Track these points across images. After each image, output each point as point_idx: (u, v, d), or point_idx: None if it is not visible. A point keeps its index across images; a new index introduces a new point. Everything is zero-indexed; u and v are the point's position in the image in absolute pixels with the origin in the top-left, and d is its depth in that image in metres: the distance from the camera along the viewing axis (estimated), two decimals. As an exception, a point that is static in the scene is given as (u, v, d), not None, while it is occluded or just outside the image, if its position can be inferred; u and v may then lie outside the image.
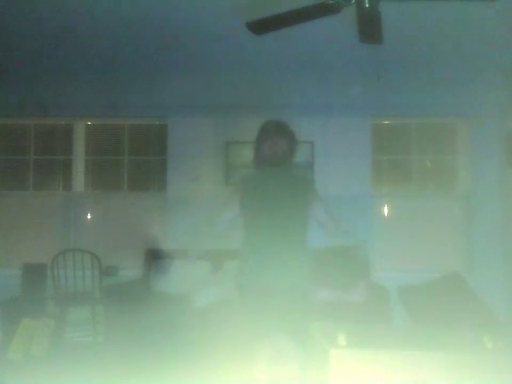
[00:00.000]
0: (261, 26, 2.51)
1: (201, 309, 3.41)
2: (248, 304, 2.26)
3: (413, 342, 1.87)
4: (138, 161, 4.56)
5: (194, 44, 3.69)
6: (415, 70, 4.20)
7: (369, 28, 2.47)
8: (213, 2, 3.00)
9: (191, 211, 4.23)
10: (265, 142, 2.35)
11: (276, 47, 3.66)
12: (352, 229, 4.14)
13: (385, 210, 4.47)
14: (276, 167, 2.34)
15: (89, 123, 4.58)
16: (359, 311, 3.36)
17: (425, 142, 4.47)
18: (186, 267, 3.85)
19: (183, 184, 4.35)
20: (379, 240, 4.28)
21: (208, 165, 4.39)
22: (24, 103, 4.37)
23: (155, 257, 3.93)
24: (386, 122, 4.53)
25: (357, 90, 4.23)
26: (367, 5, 2.25)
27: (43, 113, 4.39)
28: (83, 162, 4.55)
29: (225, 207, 2.40)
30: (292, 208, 2.30)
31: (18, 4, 3.05)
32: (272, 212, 2.27)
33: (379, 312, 3.40)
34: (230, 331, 2.67)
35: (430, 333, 2.04)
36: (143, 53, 3.94)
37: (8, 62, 4.11)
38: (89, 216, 4.55)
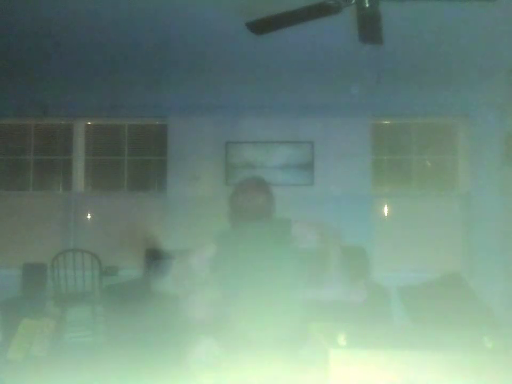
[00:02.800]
0: (261, 26, 2.51)
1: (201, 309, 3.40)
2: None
3: (413, 342, 1.87)
4: (138, 161, 4.56)
5: (194, 43, 3.68)
6: (415, 70, 4.19)
7: (369, 28, 2.46)
8: (213, 2, 3.00)
9: (191, 211, 4.24)
10: (243, 197, 2.20)
11: (276, 47, 3.66)
12: (352, 229, 4.17)
13: (385, 210, 4.47)
14: (253, 221, 2.19)
15: (89, 123, 4.59)
16: (359, 311, 3.35)
17: (425, 142, 4.47)
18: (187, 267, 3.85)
19: (183, 184, 4.35)
20: (379, 240, 4.28)
21: (208, 165, 4.39)
22: (24, 103, 4.37)
23: (155, 257, 3.92)
24: (386, 122, 4.53)
25: (357, 90, 4.22)
26: (367, 5, 2.25)
27: (43, 113, 4.39)
28: (83, 162, 4.56)
29: (197, 254, 2.25)
30: (276, 267, 2.14)
31: (18, 4, 3.05)
32: (254, 273, 2.11)
33: (379, 312, 3.40)
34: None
35: (430, 333, 2.04)
36: (143, 53, 3.93)
37: (8, 62, 4.11)
38: (89, 216, 4.55)
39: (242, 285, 2.14)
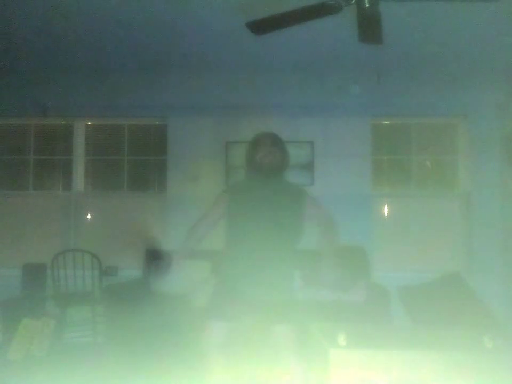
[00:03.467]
0: (261, 26, 2.51)
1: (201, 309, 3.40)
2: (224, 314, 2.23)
3: (413, 342, 1.88)
4: (138, 161, 4.56)
5: (194, 43, 3.69)
6: (415, 70, 4.20)
7: (369, 28, 2.46)
8: (213, 2, 3.00)
9: (191, 211, 4.22)
10: (261, 151, 2.30)
11: (276, 47, 3.66)
12: (352, 229, 4.17)
13: (385, 210, 4.47)
14: (270, 176, 2.31)
15: (89, 123, 4.58)
16: (359, 311, 3.35)
17: (425, 142, 4.47)
18: (186, 267, 3.84)
19: (183, 184, 4.34)
20: (379, 240, 4.28)
21: (208, 165, 4.39)
22: (24, 103, 4.36)
23: (155, 257, 3.92)
24: (386, 122, 4.53)
25: (357, 90, 4.23)
26: (367, 5, 2.25)
27: (43, 113, 4.39)
28: (83, 162, 4.55)
29: (212, 210, 2.37)
30: (282, 219, 2.26)
31: (18, 4, 3.05)
32: (261, 221, 2.24)
33: (379, 312, 3.40)
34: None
35: (430, 333, 2.04)
36: (143, 53, 3.94)
37: (8, 62, 4.11)
38: (89, 216, 4.55)
39: (245, 233, 2.26)
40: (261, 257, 2.23)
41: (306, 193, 2.42)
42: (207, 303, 2.32)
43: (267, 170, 2.29)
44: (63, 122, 4.56)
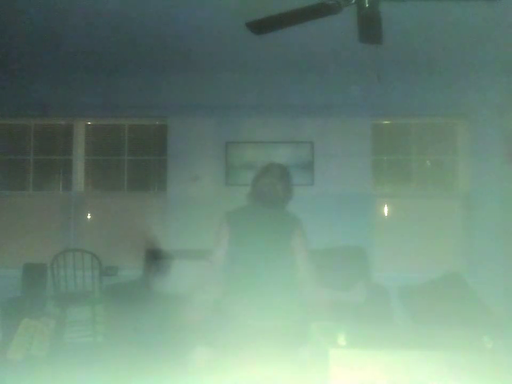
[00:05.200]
0: (261, 26, 2.51)
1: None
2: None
3: (413, 342, 1.87)
4: (138, 161, 4.56)
5: (194, 43, 3.69)
6: (415, 70, 4.20)
7: (369, 28, 2.47)
8: (213, 2, 3.00)
9: (191, 211, 4.24)
10: (265, 181, 2.36)
11: (276, 47, 3.66)
12: (352, 229, 4.18)
13: (385, 210, 4.47)
14: (268, 206, 2.35)
15: (89, 123, 4.59)
16: (359, 311, 3.35)
17: (425, 142, 4.47)
18: (186, 267, 3.85)
19: (183, 184, 4.35)
20: (379, 240, 4.28)
21: (208, 165, 4.39)
22: (24, 103, 4.37)
23: (155, 257, 3.92)
24: (386, 122, 4.53)
25: (357, 90, 4.23)
26: (367, 5, 2.25)
27: (43, 113, 4.39)
28: (83, 162, 4.55)
29: (218, 244, 2.37)
30: (281, 246, 2.31)
31: (18, 4, 3.05)
32: (261, 248, 2.28)
33: (379, 312, 3.40)
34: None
35: (430, 333, 2.04)
36: (143, 53, 3.94)
37: (8, 62, 4.12)
38: (89, 216, 4.55)
39: (245, 264, 2.29)
40: (262, 281, 2.24)
41: (299, 221, 2.44)
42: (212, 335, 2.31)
43: (265, 200, 2.35)
44: (63, 122, 4.56)
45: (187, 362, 2.27)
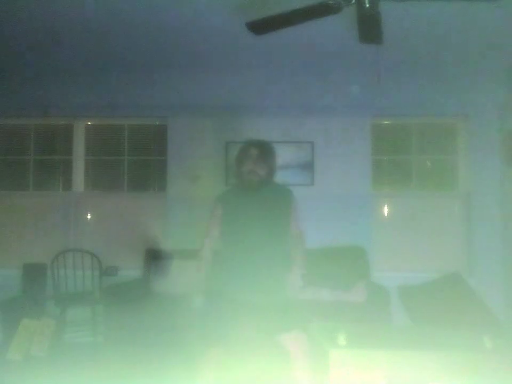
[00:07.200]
0: (261, 26, 2.51)
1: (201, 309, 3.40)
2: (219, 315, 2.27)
3: (413, 342, 1.87)
4: (138, 161, 4.56)
5: (194, 43, 3.69)
6: (415, 70, 4.20)
7: (369, 28, 2.46)
8: (213, 2, 3.00)
9: (191, 211, 4.24)
10: (243, 169, 2.35)
11: (276, 46, 3.66)
12: (352, 229, 4.18)
13: (385, 210, 4.47)
14: (254, 187, 2.36)
15: (89, 123, 4.58)
16: (359, 311, 3.35)
17: (425, 142, 4.47)
18: (186, 267, 3.85)
19: (183, 184, 4.35)
20: (379, 240, 4.28)
21: (208, 165, 4.39)
22: (24, 103, 4.37)
23: (155, 257, 3.92)
24: (386, 122, 4.53)
25: (357, 90, 4.23)
26: (367, 5, 2.25)
27: (43, 113, 4.39)
28: (83, 162, 4.55)
29: (212, 225, 2.45)
30: (273, 223, 2.33)
31: (18, 4, 3.05)
32: (252, 227, 2.31)
33: (379, 312, 3.40)
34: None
35: (430, 333, 2.04)
36: (142, 53, 3.94)
37: (8, 62, 4.12)
38: (89, 216, 4.55)
39: (237, 239, 2.35)
40: (254, 259, 2.26)
41: (291, 193, 2.47)
42: (203, 320, 2.33)
43: (247, 186, 2.36)
44: (63, 122, 4.56)
45: (195, 362, 2.31)
